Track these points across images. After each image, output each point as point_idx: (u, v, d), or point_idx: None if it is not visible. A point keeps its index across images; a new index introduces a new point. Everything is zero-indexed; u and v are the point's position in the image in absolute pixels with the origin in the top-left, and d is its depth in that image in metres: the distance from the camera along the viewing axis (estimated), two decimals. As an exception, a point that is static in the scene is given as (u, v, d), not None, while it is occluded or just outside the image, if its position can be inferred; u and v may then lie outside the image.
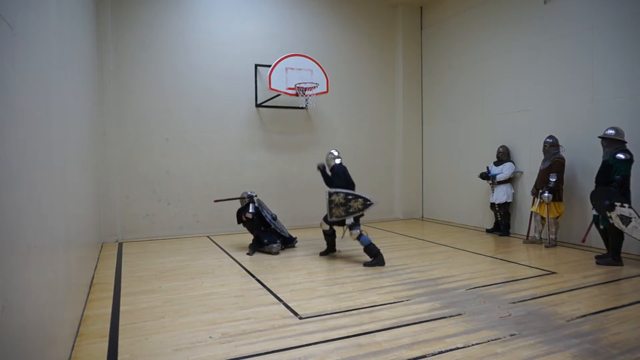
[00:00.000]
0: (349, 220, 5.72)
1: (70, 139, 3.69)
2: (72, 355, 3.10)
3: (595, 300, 4.19)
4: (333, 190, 5.72)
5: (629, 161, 5.39)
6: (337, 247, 6.46)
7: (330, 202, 5.69)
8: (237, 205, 7.25)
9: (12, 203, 1.78)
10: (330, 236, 6.21)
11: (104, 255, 6.60)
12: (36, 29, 2.41)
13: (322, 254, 6.30)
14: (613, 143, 5.56)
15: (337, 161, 6.15)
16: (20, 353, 1.81)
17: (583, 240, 6.15)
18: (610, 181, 5.42)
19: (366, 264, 5.64)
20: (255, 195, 6.84)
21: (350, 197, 5.64)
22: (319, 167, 6.34)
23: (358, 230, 5.68)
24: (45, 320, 2.32)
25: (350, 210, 5.65)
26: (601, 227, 5.67)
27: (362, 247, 5.82)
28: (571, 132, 6.81)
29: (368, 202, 5.62)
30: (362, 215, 5.75)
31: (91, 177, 5.74)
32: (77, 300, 3.75)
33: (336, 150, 6.38)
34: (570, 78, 6.90)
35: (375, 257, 5.66)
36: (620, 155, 5.39)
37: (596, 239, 6.27)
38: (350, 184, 5.95)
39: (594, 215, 5.79)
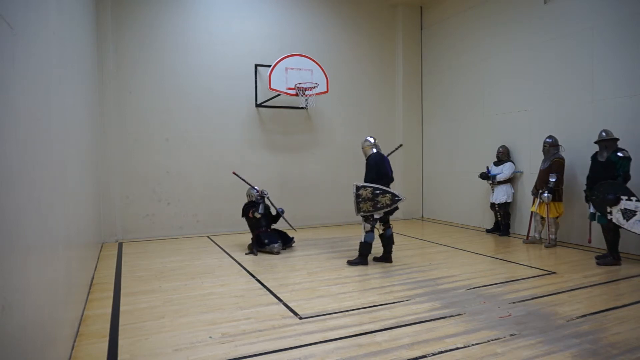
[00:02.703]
0: (378, 215, 5.52)
1: (70, 139, 3.69)
2: (72, 355, 3.10)
3: (595, 300, 4.19)
4: (360, 184, 5.50)
5: (629, 158, 5.55)
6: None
7: (357, 196, 5.47)
8: (242, 201, 7.18)
9: (12, 203, 1.78)
10: (388, 239, 5.72)
11: (104, 255, 6.59)
12: (36, 29, 2.41)
13: (378, 259, 5.81)
14: (611, 142, 5.73)
15: (374, 150, 5.77)
16: (20, 353, 1.81)
17: (589, 241, 6.19)
18: (615, 177, 5.53)
19: (350, 263, 5.63)
20: (267, 196, 6.76)
21: (378, 192, 5.42)
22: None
23: (371, 226, 5.56)
24: (45, 320, 2.32)
25: (379, 205, 5.42)
26: (597, 223, 5.74)
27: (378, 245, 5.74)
28: (571, 132, 6.80)
29: (397, 198, 5.43)
30: (390, 211, 5.53)
31: (91, 177, 5.74)
32: (77, 300, 3.75)
33: (372, 137, 5.92)
34: (570, 78, 6.90)
35: (361, 256, 5.64)
36: (621, 154, 5.56)
37: (596, 239, 6.27)
38: (382, 177, 5.59)
39: (591, 213, 5.85)
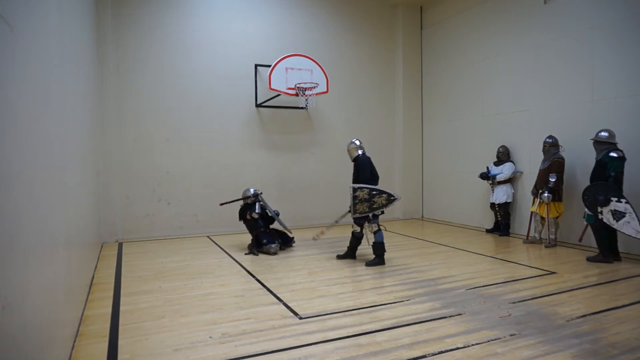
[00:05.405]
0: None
1: (70, 139, 3.69)
2: (72, 355, 3.10)
3: (595, 300, 4.19)
4: (357, 185, 5.56)
5: (622, 158, 5.57)
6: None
7: (354, 197, 5.53)
8: (239, 203, 7.23)
9: (12, 203, 1.78)
10: (357, 240, 5.89)
11: (104, 255, 6.59)
12: (36, 29, 2.41)
13: (341, 257, 6.03)
14: (604, 143, 5.75)
15: (360, 152, 5.90)
16: (20, 353, 1.81)
17: (580, 239, 6.22)
18: (606, 178, 5.58)
19: (368, 264, 5.62)
20: (261, 193, 6.83)
21: (374, 192, 5.48)
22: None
23: (376, 225, 5.64)
24: (45, 320, 2.32)
25: (374, 206, 5.51)
26: (585, 223, 5.82)
27: (369, 244, 5.80)
28: (571, 132, 6.80)
29: (392, 198, 5.49)
30: (383, 212, 5.66)
31: (91, 177, 5.74)
32: (77, 301, 3.75)
33: (358, 140, 6.07)
34: (570, 78, 6.90)
35: (378, 257, 5.66)
36: (614, 154, 5.58)
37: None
38: (374, 177, 5.77)
39: (585, 212, 5.88)
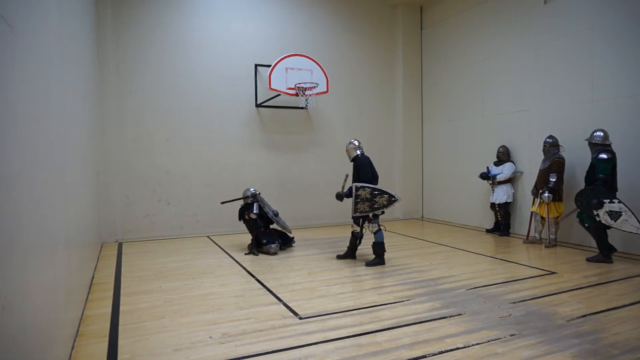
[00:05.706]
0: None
1: (70, 139, 3.69)
2: (72, 355, 3.10)
3: (595, 300, 4.19)
4: (360, 184, 5.57)
5: (611, 160, 5.60)
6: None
7: (356, 196, 5.55)
8: (239, 203, 7.23)
9: (12, 203, 1.78)
10: (357, 239, 5.88)
11: (104, 255, 6.59)
12: (36, 29, 2.41)
13: (341, 257, 6.05)
14: (596, 144, 5.80)
15: (359, 152, 5.91)
16: (20, 353, 1.80)
17: (557, 223, 6.44)
18: (595, 180, 5.62)
19: (368, 264, 5.62)
20: (259, 193, 6.83)
21: (376, 192, 5.50)
22: (340, 196, 5.89)
23: (377, 225, 5.65)
24: (45, 320, 2.32)
25: (375, 205, 5.53)
26: (586, 225, 5.82)
27: (369, 245, 5.81)
28: (571, 132, 6.80)
29: (393, 199, 5.51)
30: (384, 212, 5.67)
31: (91, 177, 5.74)
32: (77, 300, 3.75)
33: (357, 140, 6.07)
34: (570, 78, 6.90)
35: (378, 257, 5.66)
36: (603, 155, 5.63)
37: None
38: (375, 177, 5.77)
39: (579, 212, 5.93)
